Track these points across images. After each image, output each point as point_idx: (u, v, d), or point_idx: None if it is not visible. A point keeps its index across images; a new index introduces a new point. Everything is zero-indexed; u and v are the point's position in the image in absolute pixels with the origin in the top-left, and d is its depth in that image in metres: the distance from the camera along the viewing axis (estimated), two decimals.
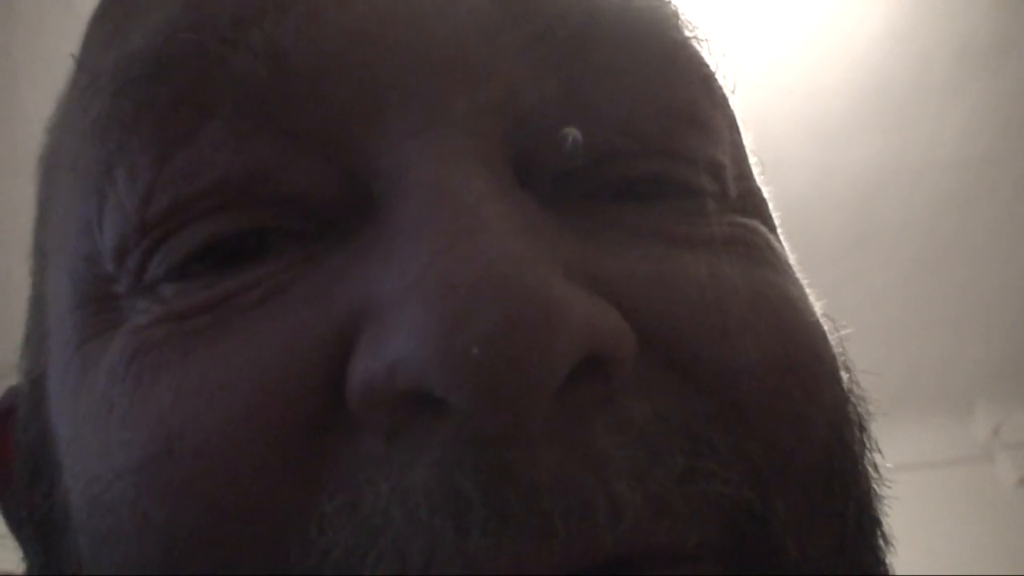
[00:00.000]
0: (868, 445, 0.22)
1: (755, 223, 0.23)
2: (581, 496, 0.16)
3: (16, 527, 0.25)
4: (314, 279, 0.19)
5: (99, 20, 0.24)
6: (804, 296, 0.22)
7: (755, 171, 0.25)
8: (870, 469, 0.22)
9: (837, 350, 0.22)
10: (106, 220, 0.21)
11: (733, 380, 0.19)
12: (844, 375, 0.22)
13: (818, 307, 0.23)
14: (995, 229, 1.69)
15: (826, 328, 0.22)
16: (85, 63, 0.23)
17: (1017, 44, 1.43)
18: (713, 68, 0.24)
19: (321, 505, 0.17)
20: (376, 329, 0.17)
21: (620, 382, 0.18)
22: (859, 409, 0.22)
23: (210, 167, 0.20)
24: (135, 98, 0.21)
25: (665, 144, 0.22)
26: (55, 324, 0.23)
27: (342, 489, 0.17)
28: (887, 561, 0.22)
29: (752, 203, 0.24)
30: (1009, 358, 1.92)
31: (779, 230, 0.25)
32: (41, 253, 0.25)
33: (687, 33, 0.23)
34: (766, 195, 0.25)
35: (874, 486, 0.22)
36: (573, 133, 0.20)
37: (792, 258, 0.24)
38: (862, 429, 0.22)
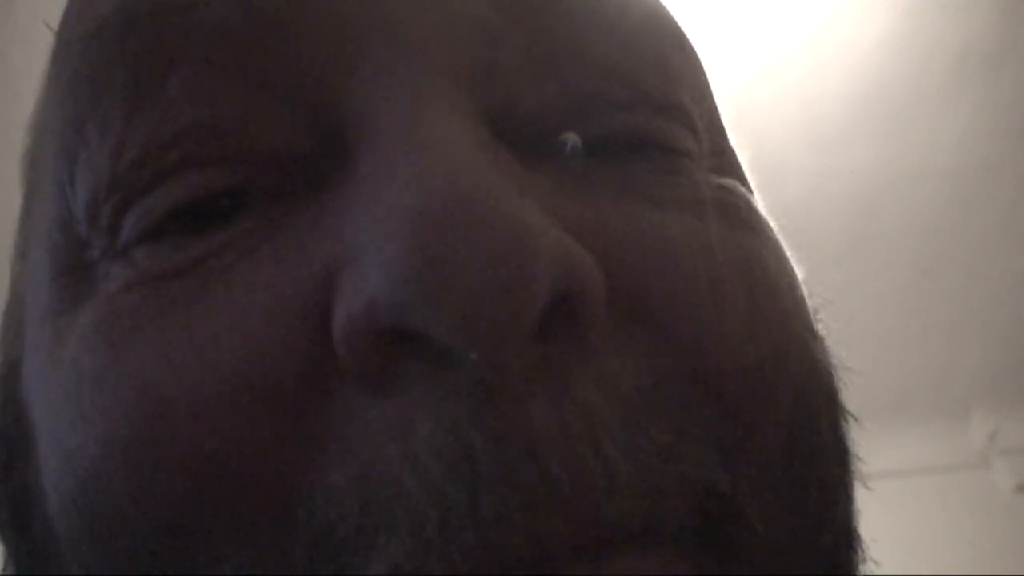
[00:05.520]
0: (837, 416, 0.22)
1: (734, 183, 0.23)
2: (579, 455, 0.16)
3: None
4: (288, 235, 0.19)
5: None
6: (780, 260, 0.22)
7: (728, 131, 0.25)
8: (838, 443, 0.21)
9: (810, 317, 0.22)
10: (78, 177, 0.20)
11: (701, 344, 0.18)
12: (814, 343, 0.21)
13: (799, 271, 0.23)
14: (993, 235, 1.69)
15: (803, 294, 0.22)
16: (61, 34, 0.23)
17: (1015, 50, 1.43)
18: (686, 38, 0.24)
19: (327, 470, 0.16)
20: (353, 270, 0.17)
21: (595, 330, 0.17)
22: (830, 379, 0.22)
23: (176, 116, 0.19)
24: (105, 53, 0.20)
25: (632, 84, 0.21)
26: (31, 302, 0.22)
27: (349, 454, 0.16)
28: (854, 543, 0.21)
29: (727, 161, 0.24)
30: (1006, 364, 1.92)
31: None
32: (23, 238, 0.25)
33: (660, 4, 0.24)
34: (741, 160, 0.25)
35: (843, 464, 0.21)
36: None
37: None
38: (831, 401, 0.21)
